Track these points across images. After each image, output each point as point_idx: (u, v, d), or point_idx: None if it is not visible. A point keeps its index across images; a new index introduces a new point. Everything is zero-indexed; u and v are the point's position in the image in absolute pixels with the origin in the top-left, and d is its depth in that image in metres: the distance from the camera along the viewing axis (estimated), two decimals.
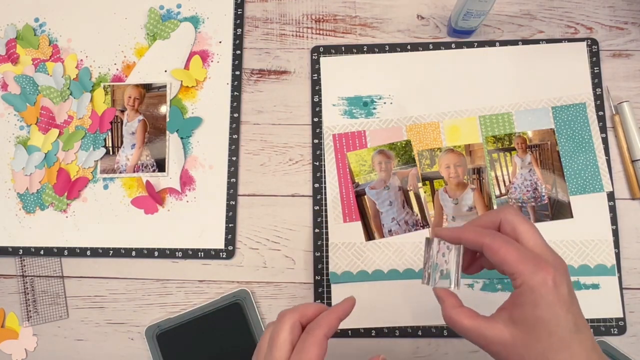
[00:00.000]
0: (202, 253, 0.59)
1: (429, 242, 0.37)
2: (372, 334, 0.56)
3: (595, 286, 0.56)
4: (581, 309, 0.34)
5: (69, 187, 0.60)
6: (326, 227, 0.58)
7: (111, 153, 0.61)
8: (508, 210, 0.36)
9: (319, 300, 0.57)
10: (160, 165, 0.61)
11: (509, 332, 0.33)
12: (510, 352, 0.33)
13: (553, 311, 0.32)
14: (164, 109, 0.62)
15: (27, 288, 0.60)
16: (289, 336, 0.35)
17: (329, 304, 0.57)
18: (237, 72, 0.62)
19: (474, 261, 0.40)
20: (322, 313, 0.37)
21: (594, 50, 0.60)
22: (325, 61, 0.62)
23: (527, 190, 0.58)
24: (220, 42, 0.63)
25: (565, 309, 0.32)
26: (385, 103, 0.60)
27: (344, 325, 0.56)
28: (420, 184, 0.58)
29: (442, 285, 0.37)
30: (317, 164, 0.60)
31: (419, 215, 0.58)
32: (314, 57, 0.62)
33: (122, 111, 0.62)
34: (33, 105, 0.62)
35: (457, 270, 0.36)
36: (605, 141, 0.58)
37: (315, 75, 0.61)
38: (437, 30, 0.62)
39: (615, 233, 0.56)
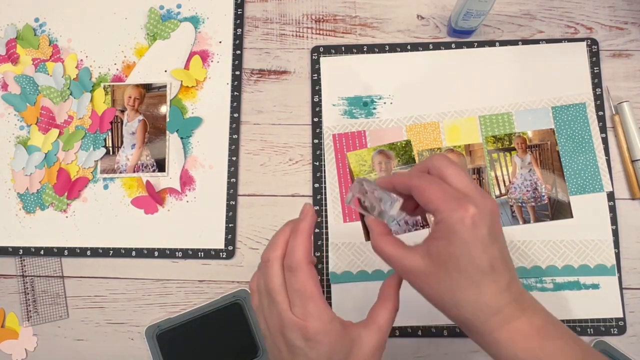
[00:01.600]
0: (202, 253, 0.59)
1: (359, 183, 0.37)
2: None
3: (595, 286, 0.56)
4: (504, 249, 0.35)
5: (69, 187, 0.60)
6: (326, 227, 0.58)
7: (111, 153, 0.61)
8: (435, 157, 0.37)
9: None
10: (160, 165, 0.61)
11: (424, 263, 0.34)
12: (423, 282, 0.35)
13: (466, 249, 0.33)
14: (164, 109, 0.62)
15: (27, 288, 0.60)
16: (282, 279, 0.35)
17: (329, 304, 0.57)
18: (237, 72, 0.62)
19: (417, 206, 0.39)
20: (291, 239, 0.36)
21: (594, 50, 0.60)
22: (325, 61, 0.62)
23: (527, 190, 0.58)
24: (220, 42, 0.63)
25: (480, 249, 0.33)
26: (385, 103, 0.60)
27: None
28: None
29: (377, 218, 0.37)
30: (317, 164, 0.60)
31: (419, 215, 0.58)
32: (314, 57, 0.62)
33: (122, 111, 0.62)
34: (33, 105, 0.62)
35: (382, 206, 0.37)
36: (605, 141, 0.58)
37: (315, 75, 0.61)
38: (437, 30, 0.62)
39: (615, 233, 0.56)
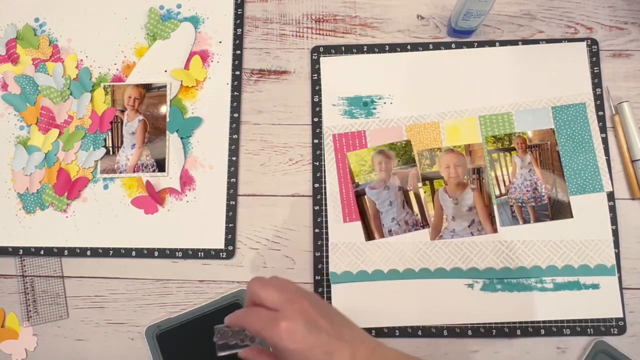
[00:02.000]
0: (202, 253, 0.59)
1: (218, 331, 0.42)
2: (372, 334, 0.56)
3: (595, 286, 0.56)
4: (335, 326, 0.38)
5: (69, 187, 0.60)
6: (326, 227, 0.58)
7: (111, 153, 0.61)
8: (250, 284, 0.40)
9: None
10: (160, 165, 0.61)
11: None
12: None
13: (298, 356, 0.36)
14: (164, 109, 0.62)
15: (27, 288, 0.60)
16: None
17: (329, 304, 0.57)
18: (237, 72, 0.62)
19: None
20: None
21: (594, 50, 0.60)
22: (325, 61, 0.62)
23: (527, 190, 0.58)
24: (220, 42, 0.63)
25: (308, 348, 0.36)
26: (385, 103, 0.60)
27: None
28: (420, 184, 0.58)
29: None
30: (317, 164, 0.60)
31: (419, 215, 0.58)
32: (314, 57, 0.62)
33: (122, 111, 0.62)
34: (33, 105, 0.62)
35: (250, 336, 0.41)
36: (605, 141, 0.58)
37: (315, 75, 0.61)
38: (437, 30, 0.62)
39: (615, 233, 0.56)
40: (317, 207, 0.59)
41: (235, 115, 0.61)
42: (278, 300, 0.39)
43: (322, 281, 0.57)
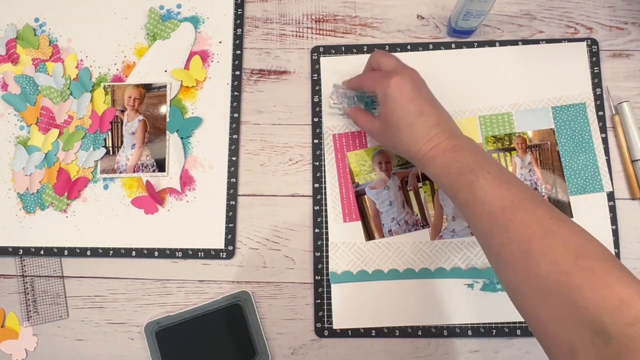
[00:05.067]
0: (202, 253, 0.59)
1: (336, 88, 0.57)
2: (372, 334, 0.56)
3: None
4: (432, 101, 0.49)
5: (69, 187, 0.60)
6: (326, 227, 0.58)
7: (111, 153, 0.61)
8: (373, 53, 0.53)
9: (319, 300, 0.57)
10: (160, 165, 0.61)
11: (380, 124, 0.50)
12: (381, 136, 0.51)
13: (397, 104, 0.47)
14: (164, 109, 0.62)
15: (27, 288, 0.60)
16: None
17: (329, 304, 0.57)
18: (237, 72, 0.62)
19: None
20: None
21: (593, 50, 0.60)
22: (325, 61, 0.62)
23: None
24: (220, 42, 0.63)
25: (407, 101, 0.47)
26: None
27: (344, 325, 0.56)
28: (420, 184, 0.58)
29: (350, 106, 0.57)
30: (317, 164, 0.60)
31: (419, 215, 0.58)
32: (314, 57, 0.62)
33: (122, 111, 0.62)
34: (33, 105, 0.62)
35: (354, 98, 0.57)
36: (605, 141, 0.58)
37: (315, 75, 0.61)
38: (437, 30, 0.62)
39: (615, 233, 0.56)
40: (317, 207, 0.59)
41: (235, 115, 0.61)
42: (394, 65, 0.50)
43: (322, 281, 0.57)
